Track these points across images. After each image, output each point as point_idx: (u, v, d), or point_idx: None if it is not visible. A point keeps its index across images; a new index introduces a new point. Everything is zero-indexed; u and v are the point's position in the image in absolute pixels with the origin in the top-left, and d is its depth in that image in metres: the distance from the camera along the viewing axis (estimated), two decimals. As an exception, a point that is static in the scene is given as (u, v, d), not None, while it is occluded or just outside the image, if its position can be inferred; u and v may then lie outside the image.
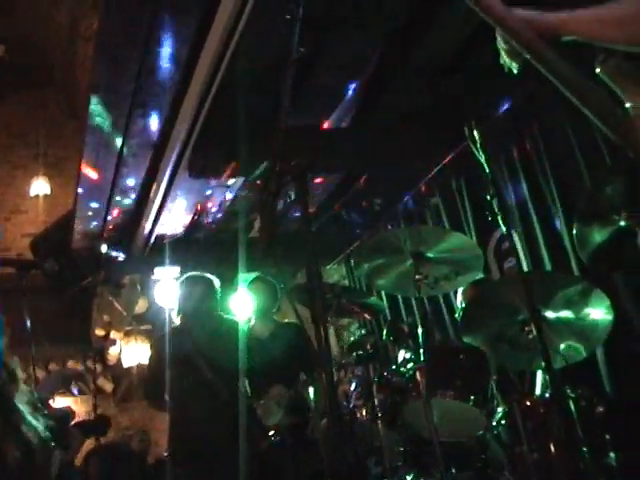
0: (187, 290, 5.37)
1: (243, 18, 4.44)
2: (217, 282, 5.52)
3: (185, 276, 5.65)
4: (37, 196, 12.80)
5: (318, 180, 7.11)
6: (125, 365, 9.50)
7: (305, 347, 4.99)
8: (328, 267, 9.13)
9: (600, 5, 2.06)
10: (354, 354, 4.57)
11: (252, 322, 5.81)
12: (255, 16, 4.35)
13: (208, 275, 5.53)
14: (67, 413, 5.75)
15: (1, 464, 3.80)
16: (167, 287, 7.81)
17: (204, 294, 5.37)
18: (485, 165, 3.72)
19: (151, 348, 5.57)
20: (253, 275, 7.92)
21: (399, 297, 7.25)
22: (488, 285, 5.08)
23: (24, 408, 4.10)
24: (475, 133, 3.78)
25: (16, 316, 5.09)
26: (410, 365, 4.41)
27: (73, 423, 5.82)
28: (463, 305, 5.05)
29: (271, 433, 4.77)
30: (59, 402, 11.21)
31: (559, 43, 2.03)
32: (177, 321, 5.53)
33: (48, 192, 12.86)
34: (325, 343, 2.03)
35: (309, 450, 5.41)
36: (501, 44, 2.16)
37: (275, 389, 4.99)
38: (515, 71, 2.18)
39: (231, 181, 6.86)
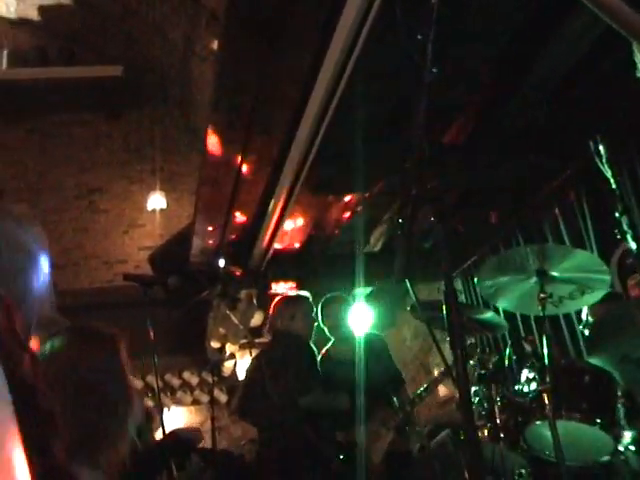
0: (288, 311, 5.35)
1: (363, 36, 4.47)
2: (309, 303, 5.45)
3: (284, 296, 5.66)
4: (154, 210, 13.13)
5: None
6: (240, 377, 9.63)
7: (389, 360, 4.91)
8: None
9: None
10: (476, 373, 4.52)
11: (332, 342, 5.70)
12: (380, 33, 4.36)
13: (303, 294, 5.50)
14: (196, 437, 5.71)
15: None
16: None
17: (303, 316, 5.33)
18: (612, 180, 3.63)
19: (250, 363, 5.59)
20: (370, 289, 7.94)
21: (517, 315, 7.12)
22: (618, 304, 4.94)
23: None
24: (601, 147, 3.69)
25: (138, 328, 5.21)
26: (533, 385, 4.33)
27: (197, 448, 5.84)
28: (590, 321, 4.91)
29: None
30: (173, 412, 11.50)
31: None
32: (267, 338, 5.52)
33: (164, 206, 13.17)
34: (463, 368, 1.99)
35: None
36: (638, 57, 2.11)
37: (380, 411, 4.94)
38: (654, 86, 2.12)
39: (348, 197, 6.90)
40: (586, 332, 4.98)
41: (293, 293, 5.51)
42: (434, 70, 2.27)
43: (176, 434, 5.29)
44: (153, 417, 5.50)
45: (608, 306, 4.74)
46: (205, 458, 5.74)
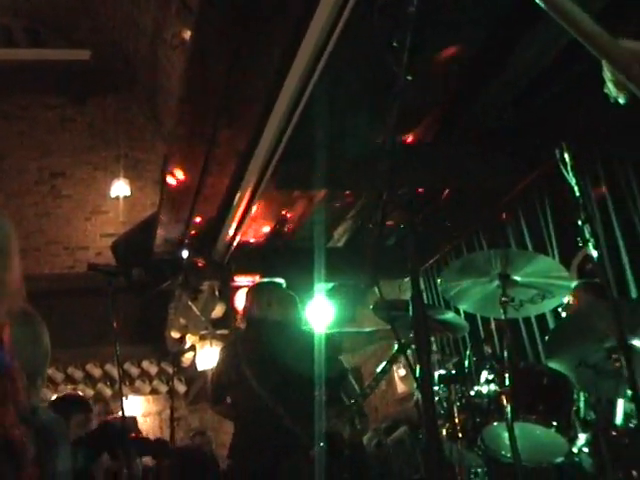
0: (264, 298, 5.29)
1: (334, 36, 4.49)
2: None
3: (258, 282, 5.62)
4: (117, 197, 13.06)
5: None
6: (199, 368, 9.62)
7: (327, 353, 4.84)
8: (405, 280, 9.11)
9: None
10: (436, 373, 4.55)
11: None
12: (351, 36, 4.38)
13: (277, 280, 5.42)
14: (130, 426, 5.77)
15: None
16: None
17: (282, 303, 5.27)
18: (576, 189, 3.68)
19: (220, 352, 5.53)
20: (332, 284, 7.95)
21: (478, 317, 7.19)
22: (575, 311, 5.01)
23: None
24: (566, 155, 3.73)
25: (99, 316, 5.19)
26: (492, 387, 4.38)
27: (133, 438, 5.83)
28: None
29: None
30: (131, 401, 11.48)
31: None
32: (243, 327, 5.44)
33: (128, 194, 13.11)
34: (428, 371, 2.02)
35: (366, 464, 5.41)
36: (607, 75, 2.14)
37: (332, 406, 4.93)
38: (622, 102, 2.15)
39: (313, 192, 6.91)
40: (563, 314, 5.04)
41: (266, 280, 5.43)
42: (408, 77, 2.29)
43: (106, 424, 5.29)
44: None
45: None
46: (138, 447, 5.73)
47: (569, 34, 1.97)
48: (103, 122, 13.70)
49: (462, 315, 6.21)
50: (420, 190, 6.94)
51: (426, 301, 8.54)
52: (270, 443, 4.72)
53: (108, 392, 11.50)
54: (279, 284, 5.34)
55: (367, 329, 5.36)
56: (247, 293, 5.41)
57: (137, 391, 11.85)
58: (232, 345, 5.33)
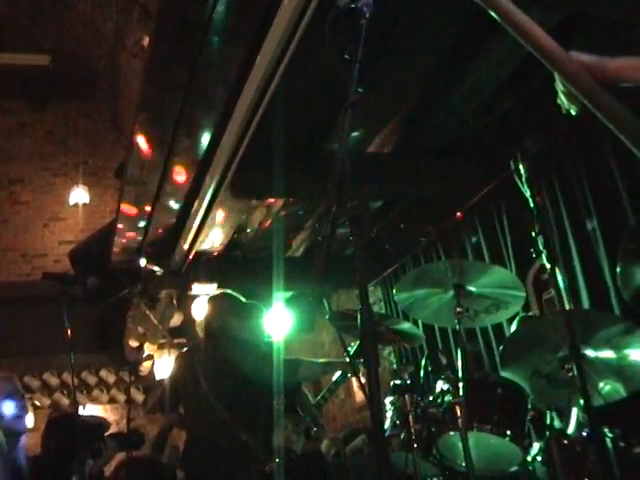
0: (223, 309, 5.25)
1: (291, 47, 4.50)
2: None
3: (219, 293, 5.58)
4: (76, 204, 12.93)
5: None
6: (157, 377, 9.56)
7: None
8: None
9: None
10: (391, 383, 4.57)
11: None
12: (306, 48, 4.39)
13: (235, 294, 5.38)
14: (102, 423, 5.77)
15: None
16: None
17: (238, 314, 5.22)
18: (530, 200, 3.72)
19: (176, 360, 5.48)
20: (290, 293, 7.94)
21: (435, 327, 7.23)
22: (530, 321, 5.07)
23: None
24: (521, 167, 3.77)
25: (55, 324, 5.14)
26: (448, 397, 4.41)
27: (110, 433, 5.82)
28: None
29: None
30: (89, 410, 11.36)
31: (617, 88, 2.03)
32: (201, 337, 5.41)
33: (87, 201, 12.99)
34: (376, 383, 2.02)
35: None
36: (559, 87, 2.16)
37: (287, 417, 4.91)
38: (574, 113, 2.17)
39: (271, 201, 6.91)
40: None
41: (228, 291, 5.39)
42: (359, 90, 2.30)
43: (84, 421, 5.24)
44: None
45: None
46: (120, 441, 5.71)
47: (524, 48, 2.00)
48: (63, 128, 13.56)
49: (420, 325, 6.25)
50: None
51: (384, 310, 8.58)
52: (224, 456, 4.70)
53: (65, 401, 11.38)
54: (235, 297, 5.31)
55: (321, 360, 5.34)
56: (208, 303, 5.37)
57: (95, 400, 11.73)
58: (189, 354, 5.29)
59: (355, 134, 5.86)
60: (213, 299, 5.39)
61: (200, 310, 7.89)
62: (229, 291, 5.38)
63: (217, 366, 4.93)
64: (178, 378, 5.17)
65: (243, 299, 5.22)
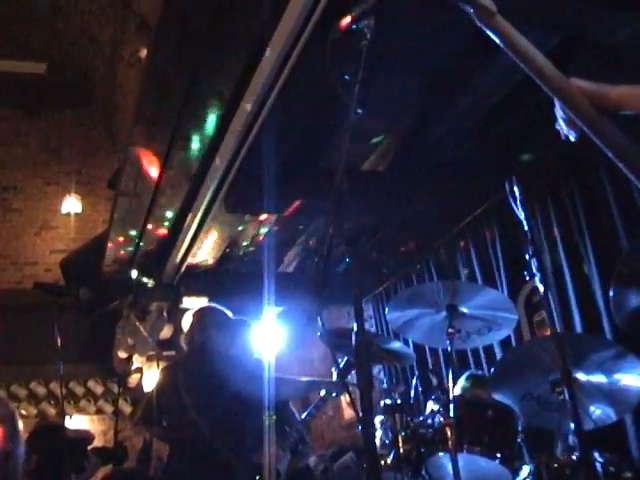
0: (206, 323, 5.20)
1: (288, 66, 4.51)
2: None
3: (202, 307, 5.54)
4: (68, 214, 12.92)
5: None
6: (145, 389, 9.53)
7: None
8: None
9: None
10: (381, 402, 4.56)
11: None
12: (304, 67, 4.41)
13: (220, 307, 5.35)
14: (86, 436, 5.74)
15: None
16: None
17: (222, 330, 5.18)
18: (524, 223, 3.72)
19: (160, 374, 5.44)
20: (281, 308, 7.92)
21: (426, 347, 7.21)
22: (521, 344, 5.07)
23: None
24: (515, 189, 3.77)
25: (45, 333, 5.13)
26: (438, 417, 4.40)
27: (92, 447, 5.78)
28: None
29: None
30: (75, 420, 11.30)
31: (616, 114, 2.04)
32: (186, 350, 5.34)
33: (79, 210, 12.99)
34: (369, 402, 2.02)
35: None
36: (559, 112, 2.17)
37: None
38: (572, 139, 2.18)
39: (264, 216, 6.91)
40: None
41: (213, 305, 5.35)
42: (359, 111, 2.30)
43: (68, 436, 5.20)
44: None
45: None
46: (103, 457, 5.68)
47: (523, 70, 2.00)
48: (57, 137, 13.56)
49: (411, 344, 6.23)
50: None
51: (375, 328, 8.57)
52: (204, 473, 4.67)
53: (52, 411, 11.32)
54: (220, 310, 5.27)
55: (304, 378, 5.32)
56: (192, 316, 5.33)
57: (82, 410, 11.67)
58: (173, 369, 5.24)
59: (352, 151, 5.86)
60: (197, 312, 5.35)
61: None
62: (214, 305, 5.36)
63: (201, 381, 4.89)
64: (160, 392, 5.13)
65: (229, 313, 5.20)
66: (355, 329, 2.06)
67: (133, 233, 7.38)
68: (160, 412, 5.09)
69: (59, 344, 4.82)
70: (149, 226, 7.15)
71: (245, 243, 7.69)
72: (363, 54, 2.32)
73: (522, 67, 2.03)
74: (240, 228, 7.24)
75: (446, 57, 5.00)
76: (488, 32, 2.03)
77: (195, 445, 4.73)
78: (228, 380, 4.68)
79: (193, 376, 4.93)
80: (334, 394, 5.10)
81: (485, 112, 5.61)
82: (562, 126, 2.19)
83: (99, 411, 11.79)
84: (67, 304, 6.86)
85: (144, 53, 8.39)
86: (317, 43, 3.79)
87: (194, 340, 5.15)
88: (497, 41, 2.03)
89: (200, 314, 5.30)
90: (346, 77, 2.36)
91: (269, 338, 7.11)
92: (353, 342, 2.06)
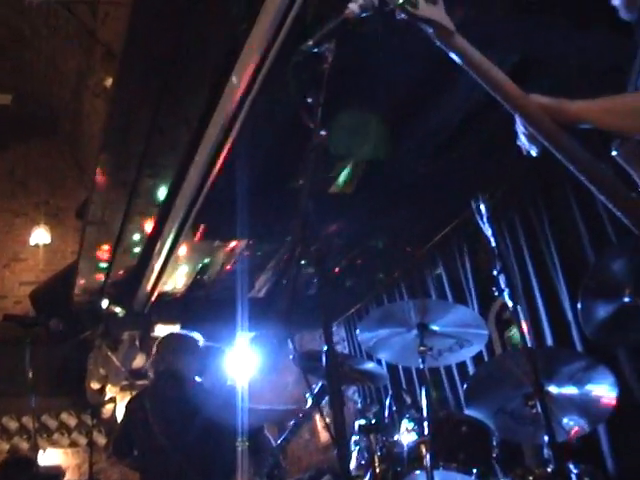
0: (170, 350, 5.16)
1: (254, 89, 4.53)
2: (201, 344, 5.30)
3: (167, 334, 5.51)
4: (37, 245, 12.82)
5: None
6: (120, 420, 9.43)
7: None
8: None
9: (615, 95, 2.12)
10: (356, 423, 4.56)
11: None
12: (268, 91, 4.43)
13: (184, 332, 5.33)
14: (57, 472, 5.67)
15: None
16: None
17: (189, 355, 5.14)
18: (492, 239, 3.75)
19: (127, 405, 5.39)
20: (253, 334, 7.89)
21: (399, 366, 7.23)
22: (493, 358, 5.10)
23: None
24: (482, 207, 3.81)
25: (16, 366, 5.09)
26: (412, 436, 4.40)
27: None
28: None
29: None
30: (49, 454, 11.15)
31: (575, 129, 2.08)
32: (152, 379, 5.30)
33: (48, 241, 12.88)
34: (342, 422, 2.02)
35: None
36: (520, 128, 2.21)
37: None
38: (534, 154, 2.22)
39: (234, 243, 6.91)
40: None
41: (176, 331, 5.32)
42: (322, 132, 2.32)
43: (40, 472, 5.15)
44: None
45: None
46: None
47: (484, 89, 2.04)
48: (24, 168, 13.48)
49: (384, 364, 6.24)
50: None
51: (347, 350, 8.57)
52: None
53: (25, 445, 11.16)
54: (184, 335, 5.24)
55: (263, 406, 5.30)
56: (158, 343, 5.29)
57: (55, 444, 11.51)
58: (140, 397, 5.20)
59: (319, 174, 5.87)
60: (162, 339, 5.32)
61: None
62: (183, 331, 5.33)
63: (171, 407, 4.86)
64: (127, 421, 5.10)
65: (200, 339, 5.17)
66: (325, 350, 2.07)
67: (102, 262, 7.36)
68: (129, 442, 5.05)
69: (30, 377, 4.77)
70: (118, 255, 7.12)
71: (216, 269, 7.68)
72: (324, 77, 2.35)
73: (483, 85, 2.07)
74: (210, 255, 7.23)
75: (410, 81, 5.05)
76: (448, 50, 2.07)
77: (166, 472, 4.70)
78: (202, 407, 4.66)
79: (161, 402, 4.90)
80: (300, 421, 5.07)
81: (451, 131, 5.66)
82: (524, 142, 2.23)
83: (73, 444, 11.63)
84: (38, 336, 6.80)
85: (109, 82, 8.39)
86: (281, 68, 3.82)
87: (160, 367, 5.11)
88: (457, 59, 2.07)
89: (165, 341, 5.27)
90: (308, 100, 2.37)
91: (242, 364, 7.09)
92: (323, 364, 2.07)
